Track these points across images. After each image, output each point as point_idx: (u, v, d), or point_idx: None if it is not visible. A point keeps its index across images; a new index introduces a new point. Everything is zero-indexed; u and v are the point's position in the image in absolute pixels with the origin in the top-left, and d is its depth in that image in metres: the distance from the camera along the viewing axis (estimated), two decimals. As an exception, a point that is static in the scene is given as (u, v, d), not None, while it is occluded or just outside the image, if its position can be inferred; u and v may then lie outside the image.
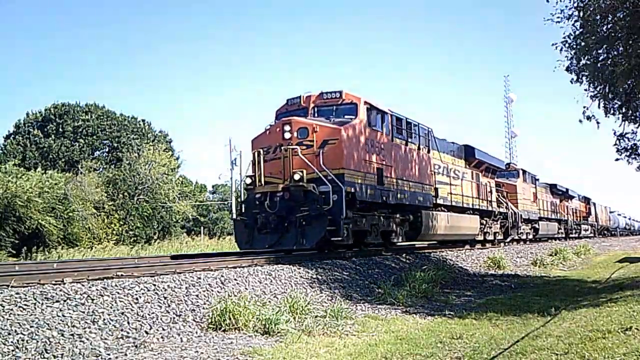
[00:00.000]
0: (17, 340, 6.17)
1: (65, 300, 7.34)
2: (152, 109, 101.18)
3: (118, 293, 8.07)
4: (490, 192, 27.18)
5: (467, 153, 24.90)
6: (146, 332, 7.45)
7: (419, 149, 20.32)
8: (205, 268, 11.39)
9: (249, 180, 16.25)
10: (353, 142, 16.35)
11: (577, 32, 13.00)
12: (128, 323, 7.47)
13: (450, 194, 22.25)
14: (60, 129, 51.66)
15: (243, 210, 16.38)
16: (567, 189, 45.15)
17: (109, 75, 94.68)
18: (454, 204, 22.50)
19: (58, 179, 38.54)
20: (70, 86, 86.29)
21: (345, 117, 16.86)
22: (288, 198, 15.62)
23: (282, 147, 15.89)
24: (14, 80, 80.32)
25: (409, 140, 19.70)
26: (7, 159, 47.53)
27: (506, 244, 29.21)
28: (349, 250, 17.54)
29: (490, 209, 26.60)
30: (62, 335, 6.59)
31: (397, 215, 18.91)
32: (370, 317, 10.04)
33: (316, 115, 17.07)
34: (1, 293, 7.14)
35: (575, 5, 12.86)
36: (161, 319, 7.92)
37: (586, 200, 56.17)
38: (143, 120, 55.58)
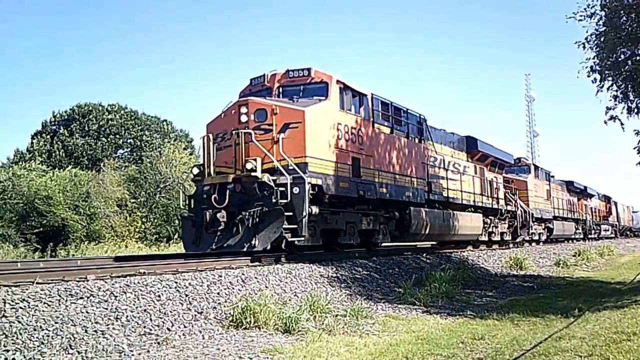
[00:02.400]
0: (42, 336, 5.94)
1: (88, 297, 7.06)
2: (171, 108, 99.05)
3: (140, 290, 7.73)
4: (497, 188, 23.32)
5: (469, 145, 21.18)
6: (168, 329, 7.15)
7: (408, 137, 16.78)
8: (225, 266, 10.57)
9: (196, 171, 12.98)
10: (320, 126, 12.98)
11: (601, 31, 12.17)
12: (150, 320, 7.17)
13: (448, 189, 18.57)
14: (85, 128, 49.68)
15: (192, 206, 13.04)
16: (585, 187, 40.51)
17: (130, 75, 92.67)
18: (451, 200, 18.81)
19: (82, 177, 36.90)
20: (90, 86, 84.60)
21: (315, 98, 13.48)
22: (239, 191, 12.39)
23: (234, 132, 12.53)
24: (35, 82, 78.67)
25: (396, 127, 16.19)
26: (33, 157, 46.53)
27: (515, 245, 25.29)
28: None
29: (496, 206, 22.77)
30: (86, 331, 6.36)
31: (380, 213, 15.35)
32: (390, 317, 9.50)
33: (281, 96, 13.71)
34: (27, 289, 6.84)
35: (600, 3, 12.05)
36: (183, 316, 7.61)
37: (606, 199, 51.07)
38: (165, 120, 53.05)
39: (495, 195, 22.91)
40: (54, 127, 51.00)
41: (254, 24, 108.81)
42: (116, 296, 7.34)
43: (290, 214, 12.16)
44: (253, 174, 12.18)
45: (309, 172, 12.45)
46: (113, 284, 7.66)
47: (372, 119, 15.04)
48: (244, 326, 7.65)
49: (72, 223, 32.70)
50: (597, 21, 12.24)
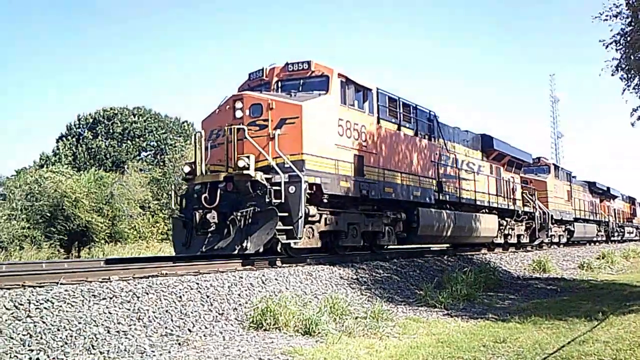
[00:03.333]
0: (66, 336, 5.88)
1: (111, 298, 6.97)
2: (192, 109, 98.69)
3: (162, 291, 7.59)
4: (514, 189, 21.92)
5: (485, 144, 19.84)
6: (189, 330, 7.03)
7: (417, 135, 15.58)
8: (246, 267, 10.42)
9: (187, 169, 12.00)
10: (319, 121, 11.94)
11: (627, 30, 11.88)
12: (172, 321, 7.07)
13: (460, 189, 17.30)
14: (110, 131, 49.56)
15: (184, 206, 12.07)
16: (608, 188, 38.52)
17: (149, 77, 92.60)
18: (464, 201, 17.56)
19: (106, 178, 36.83)
20: (117, 90, 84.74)
21: (315, 92, 12.43)
22: (231, 190, 11.37)
23: (226, 128, 11.55)
24: (59, 85, 78.95)
25: (404, 124, 15.05)
26: (59, 159, 46.63)
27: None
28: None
29: (512, 207, 21.37)
30: (108, 332, 6.29)
31: (386, 213, 14.20)
32: (411, 319, 9.21)
33: (280, 90, 12.70)
34: (51, 290, 6.74)
35: (625, 2, 11.76)
36: (204, 317, 7.48)
37: (631, 201, 48.70)
38: (185, 121, 52.60)
39: (512, 196, 21.52)
40: (79, 130, 50.91)
41: (266, 20, 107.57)
42: (138, 297, 7.21)
43: (286, 214, 11.16)
44: (246, 172, 11.19)
45: (306, 170, 11.44)
46: (135, 285, 7.52)
47: (377, 115, 13.93)
48: (264, 327, 7.47)
49: (95, 225, 32.37)
50: (623, 20, 11.95)
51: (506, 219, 21.02)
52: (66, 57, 79.01)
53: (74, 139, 49.90)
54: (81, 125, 51.18)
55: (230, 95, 12.26)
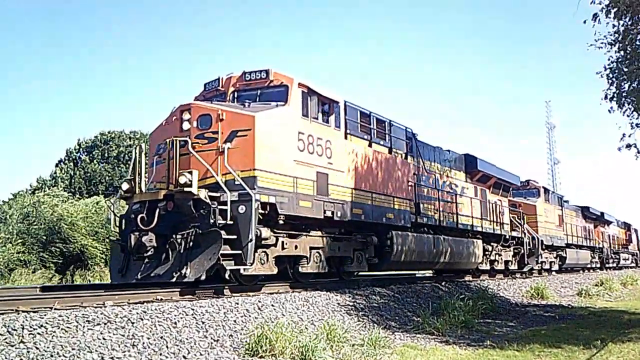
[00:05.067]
0: None
1: (106, 324, 6.65)
2: None
3: (157, 317, 7.26)
4: (501, 212, 20.21)
5: (468, 164, 18.22)
6: (184, 357, 6.62)
7: (391, 153, 13.96)
8: (242, 294, 9.88)
9: (125, 186, 10.39)
10: (275, 135, 10.43)
11: (621, 58, 11.58)
12: (167, 347, 6.67)
13: (440, 211, 15.61)
14: (105, 155, 48.39)
15: (123, 228, 10.46)
16: (602, 213, 36.64)
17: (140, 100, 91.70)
18: (445, 224, 15.83)
19: (103, 203, 35.72)
20: (117, 114, 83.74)
21: (273, 103, 10.87)
22: (172, 209, 9.69)
23: (168, 141, 10.02)
24: (62, 108, 77.77)
25: (377, 141, 13.50)
26: (56, 183, 45.55)
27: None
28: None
29: (499, 232, 19.61)
30: (102, 358, 5.94)
31: (355, 237, 12.54)
32: (408, 347, 8.87)
33: (236, 101, 11.21)
34: (45, 315, 6.45)
35: (615, 30, 11.35)
36: (199, 343, 7.10)
37: (626, 226, 46.66)
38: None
39: (499, 220, 19.79)
40: (78, 155, 49.89)
41: (269, 43, 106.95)
42: (133, 323, 6.91)
43: (234, 237, 9.58)
44: (187, 189, 9.58)
45: (258, 188, 9.91)
46: (130, 311, 7.20)
47: (345, 130, 12.36)
48: (260, 355, 7.12)
49: (91, 249, 31.53)
50: (617, 49, 11.56)
51: (492, 244, 19.27)
52: (69, 80, 78.06)
53: (71, 163, 48.80)
54: (80, 150, 50.10)
55: (178, 106, 10.72)
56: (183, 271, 9.30)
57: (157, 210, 9.72)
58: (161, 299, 8.68)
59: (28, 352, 5.64)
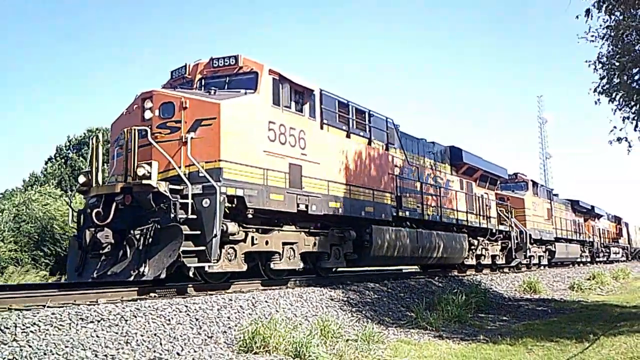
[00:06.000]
0: None
1: (99, 321, 6.51)
2: None
3: (151, 314, 7.10)
4: (488, 206, 19.46)
5: (453, 156, 17.48)
6: (178, 354, 6.47)
7: (370, 144, 13.19)
8: (236, 290, 9.63)
9: (82, 179, 9.61)
10: (243, 124, 9.69)
11: (612, 52, 11.41)
12: (160, 344, 6.54)
13: (424, 205, 14.86)
14: (94, 152, 47.20)
15: (81, 223, 9.69)
16: (592, 207, 35.93)
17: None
18: (428, 218, 15.07)
19: None
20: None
21: (243, 91, 10.10)
22: (130, 203, 8.92)
23: (125, 130, 9.24)
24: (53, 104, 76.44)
25: (355, 131, 12.74)
26: (47, 181, 44.65)
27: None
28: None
29: (486, 226, 18.87)
30: (96, 355, 5.82)
31: (332, 232, 11.79)
32: (402, 342, 8.71)
33: (204, 89, 10.42)
34: (38, 313, 6.30)
35: (607, 24, 11.19)
36: (193, 340, 6.95)
37: (617, 220, 46.00)
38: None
39: (486, 214, 19.06)
40: (67, 152, 48.90)
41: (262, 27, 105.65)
42: (126, 320, 6.78)
43: (198, 232, 8.83)
44: (146, 181, 8.79)
45: (224, 180, 9.19)
46: (124, 308, 7.06)
47: (320, 119, 11.59)
48: (254, 351, 6.97)
49: None
50: (608, 42, 11.40)
51: (479, 238, 18.54)
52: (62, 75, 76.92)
53: (62, 160, 47.83)
54: (70, 147, 49.11)
55: (139, 93, 9.93)
56: (141, 269, 8.57)
57: (114, 205, 8.94)
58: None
59: (21, 350, 5.52)
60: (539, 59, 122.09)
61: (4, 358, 5.32)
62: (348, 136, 12.47)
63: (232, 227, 9.40)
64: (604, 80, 11.44)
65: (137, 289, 8.76)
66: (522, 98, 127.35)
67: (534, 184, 25.23)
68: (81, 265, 9.22)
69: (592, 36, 11.42)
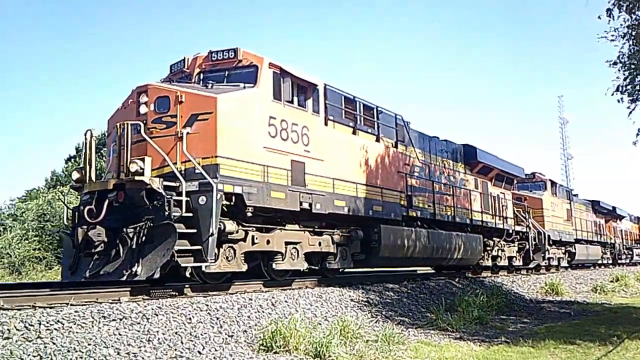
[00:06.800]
0: (76, 358, 5.48)
1: (121, 319, 6.49)
2: None
3: (172, 312, 7.07)
4: (504, 206, 18.71)
5: (467, 155, 16.78)
6: (199, 353, 6.37)
7: (378, 141, 12.62)
8: (255, 289, 9.36)
9: (76, 175, 9.22)
10: (241, 119, 9.24)
11: (633, 51, 11.17)
12: (182, 343, 6.48)
13: (435, 204, 14.22)
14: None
15: (76, 221, 9.30)
16: (613, 207, 34.70)
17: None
18: (440, 218, 14.43)
19: None
20: None
21: (242, 85, 9.62)
22: (123, 200, 8.49)
23: (119, 126, 8.84)
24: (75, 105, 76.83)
25: (362, 128, 12.19)
26: (68, 180, 45.01)
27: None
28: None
29: (502, 226, 18.10)
30: (118, 353, 5.78)
31: (338, 231, 11.24)
32: (422, 343, 8.56)
33: (202, 83, 9.97)
34: (61, 311, 6.30)
35: (628, 24, 10.89)
36: (214, 339, 6.87)
37: (639, 221, 44.56)
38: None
39: (502, 214, 18.30)
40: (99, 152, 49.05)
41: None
42: (148, 318, 6.74)
43: (194, 231, 8.40)
44: (138, 178, 8.35)
45: (220, 177, 8.73)
46: (145, 306, 7.01)
47: (325, 115, 11.05)
48: (274, 350, 6.87)
49: None
50: (629, 41, 11.09)
51: (494, 238, 17.78)
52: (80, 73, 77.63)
53: (82, 160, 47.96)
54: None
55: (135, 87, 9.52)
56: (134, 269, 8.14)
57: (107, 202, 8.52)
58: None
59: (45, 347, 5.50)
60: (559, 58, 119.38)
61: (29, 355, 5.28)
62: (355, 133, 11.94)
63: (230, 225, 8.94)
64: (627, 80, 11.15)
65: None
66: (542, 98, 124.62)
67: (553, 183, 24.31)
68: (74, 264, 8.81)
69: (613, 36, 11.14)
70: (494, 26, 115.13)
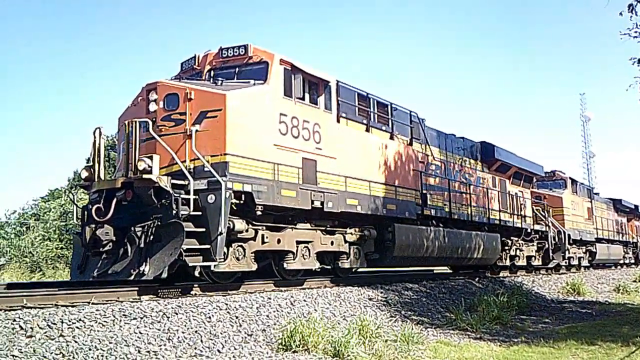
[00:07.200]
0: (98, 356, 5.53)
1: (142, 318, 6.50)
2: None
3: (192, 311, 7.06)
4: (523, 204, 18.24)
5: (485, 153, 16.37)
6: (219, 351, 6.41)
7: (392, 138, 12.30)
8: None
9: (84, 173, 9.09)
10: (251, 116, 9.02)
11: None
12: (201, 341, 6.49)
13: (451, 202, 13.86)
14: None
15: (86, 220, 9.16)
16: (636, 206, 33.79)
17: None
18: (456, 216, 14.06)
19: None
20: None
21: (252, 81, 9.42)
22: (131, 199, 8.34)
23: (127, 124, 8.70)
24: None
25: (375, 125, 11.90)
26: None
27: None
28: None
29: (520, 225, 17.64)
30: (139, 352, 5.81)
31: (350, 230, 10.97)
32: (442, 343, 8.41)
33: (212, 80, 9.79)
34: (83, 309, 6.31)
35: None
36: (233, 338, 6.88)
37: (663, 220, 43.25)
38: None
39: (521, 213, 17.84)
40: (108, 151, 49.45)
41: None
42: (168, 317, 6.75)
43: (203, 230, 8.21)
44: (146, 176, 8.19)
45: (230, 175, 8.54)
46: (165, 305, 7.01)
47: (337, 112, 10.78)
48: (292, 349, 6.84)
49: None
50: None
51: (512, 238, 17.33)
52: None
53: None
54: (110, 146, 49.69)
55: (145, 85, 9.37)
56: (141, 268, 7.99)
57: (115, 200, 8.37)
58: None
59: (67, 345, 5.53)
60: (581, 55, 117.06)
61: (52, 353, 5.30)
62: (368, 130, 11.65)
63: (240, 224, 8.74)
64: None
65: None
66: (564, 96, 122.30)
67: (573, 181, 23.68)
68: (83, 263, 8.69)
69: (636, 32, 10.80)
70: (515, 24, 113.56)
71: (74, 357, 5.40)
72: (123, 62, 79.79)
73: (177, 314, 6.88)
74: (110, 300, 7.25)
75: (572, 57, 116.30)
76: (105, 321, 6.22)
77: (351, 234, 11.08)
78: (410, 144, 12.96)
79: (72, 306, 6.59)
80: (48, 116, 68.93)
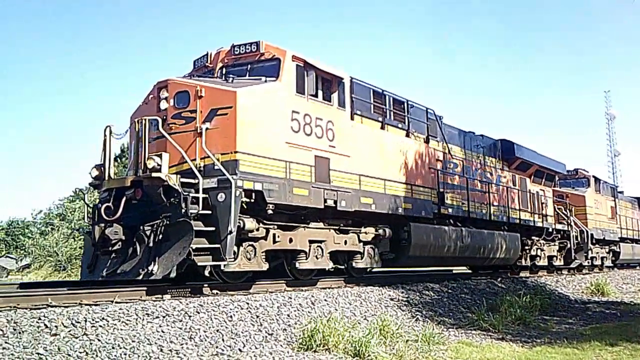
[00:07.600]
0: (121, 354, 5.54)
1: (164, 317, 6.52)
2: None
3: (213, 310, 7.07)
4: (544, 203, 17.70)
5: (505, 150, 15.91)
6: (240, 350, 6.39)
7: (409, 136, 11.96)
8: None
9: (94, 172, 8.94)
10: (262, 113, 8.82)
11: None
12: (223, 340, 6.50)
13: (470, 201, 13.45)
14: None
15: (96, 219, 9.03)
16: (662, 205, 32.71)
17: None
18: (475, 216, 13.65)
19: None
20: None
21: (264, 78, 9.18)
22: (141, 198, 8.18)
23: (137, 122, 8.56)
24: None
25: (391, 122, 11.59)
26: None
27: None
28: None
29: (541, 224, 17.11)
30: (161, 350, 5.81)
31: (365, 229, 10.67)
32: (463, 343, 8.26)
33: (225, 77, 9.59)
34: (106, 308, 6.36)
35: None
36: (254, 337, 6.87)
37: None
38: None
39: (542, 212, 17.32)
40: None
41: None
42: (190, 316, 6.76)
43: (212, 229, 8.03)
44: (156, 174, 8.01)
45: (240, 173, 8.34)
46: (187, 304, 7.01)
47: (351, 109, 10.50)
48: (313, 349, 6.80)
49: None
50: None
51: (533, 237, 16.82)
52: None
53: (126, 159, 48.88)
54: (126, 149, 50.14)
55: (156, 83, 9.21)
56: (150, 268, 7.82)
57: (124, 199, 8.21)
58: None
59: (91, 344, 5.57)
60: (606, 52, 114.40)
61: (76, 351, 5.32)
62: (383, 127, 11.34)
63: (250, 223, 8.52)
64: None
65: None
66: (589, 94, 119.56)
67: (596, 180, 22.96)
68: (93, 262, 8.55)
69: None
70: (536, 23, 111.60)
71: (97, 355, 5.42)
72: (154, 60, 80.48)
73: (198, 312, 6.85)
74: (134, 299, 7.22)
75: (597, 55, 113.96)
76: (128, 320, 6.22)
77: (365, 233, 10.79)
78: (427, 141, 12.61)
79: (96, 305, 6.61)
80: (76, 117, 69.94)
